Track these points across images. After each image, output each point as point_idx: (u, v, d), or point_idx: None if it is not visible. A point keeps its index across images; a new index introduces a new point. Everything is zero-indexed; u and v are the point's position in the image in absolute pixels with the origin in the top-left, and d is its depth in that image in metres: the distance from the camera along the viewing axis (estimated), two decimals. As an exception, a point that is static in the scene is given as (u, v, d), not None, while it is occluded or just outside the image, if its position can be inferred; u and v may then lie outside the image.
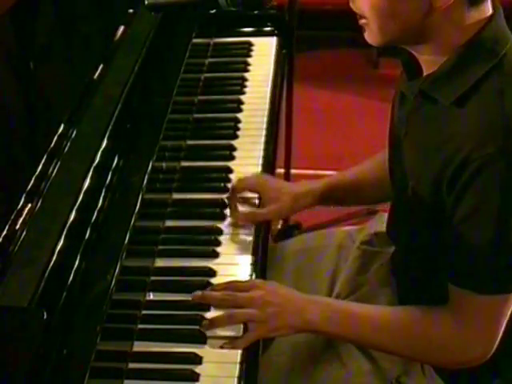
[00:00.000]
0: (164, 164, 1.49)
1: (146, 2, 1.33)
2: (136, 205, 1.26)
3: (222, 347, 1.24)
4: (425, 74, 1.23)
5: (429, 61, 1.22)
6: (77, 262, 1.08)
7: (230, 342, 1.24)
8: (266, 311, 1.28)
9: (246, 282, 1.35)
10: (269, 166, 1.66)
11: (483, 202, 1.14)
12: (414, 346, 1.30)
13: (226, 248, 1.44)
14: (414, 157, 1.26)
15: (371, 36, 1.20)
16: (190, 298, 1.31)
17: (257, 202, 1.55)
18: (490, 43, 1.16)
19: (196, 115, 1.78)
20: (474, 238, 1.17)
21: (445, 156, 1.16)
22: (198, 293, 1.30)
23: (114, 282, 1.12)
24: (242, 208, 1.52)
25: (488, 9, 1.17)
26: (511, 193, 1.13)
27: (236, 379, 1.19)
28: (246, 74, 1.93)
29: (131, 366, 1.20)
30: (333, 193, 1.57)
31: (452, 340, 1.26)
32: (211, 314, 1.29)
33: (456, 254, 1.21)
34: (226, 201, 1.53)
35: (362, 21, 1.19)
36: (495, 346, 1.24)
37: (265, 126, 1.75)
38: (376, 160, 1.59)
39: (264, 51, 2.02)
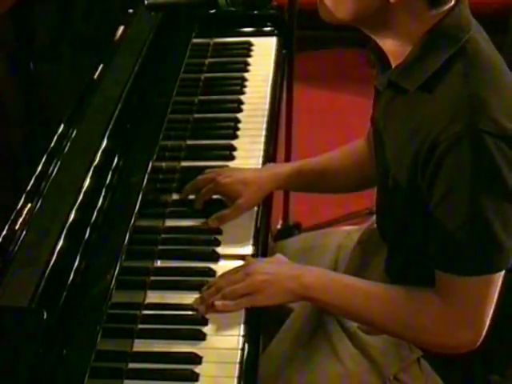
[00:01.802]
0: (164, 164, 1.49)
1: (146, 2, 1.33)
2: (136, 205, 1.26)
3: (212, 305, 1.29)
4: (393, 66, 1.25)
5: (395, 52, 1.24)
6: (77, 262, 1.08)
7: (224, 305, 1.28)
8: (259, 279, 1.31)
9: (238, 265, 1.37)
10: (269, 165, 1.66)
11: (454, 183, 1.15)
12: (403, 323, 1.30)
13: (226, 248, 1.44)
14: (393, 147, 1.27)
15: (325, 12, 1.22)
16: (189, 298, 1.31)
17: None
18: (453, 30, 1.18)
19: (196, 115, 1.78)
20: (449, 219, 1.18)
21: (417, 142, 1.18)
22: (197, 300, 1.32)
23: (113, 282, 1.12)
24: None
25: (450, 1, 1.19)
26: (481, 170, 1.14)
27: (236, 379, 1.19)
28: (246, 74, 1.93)
29: (131, 365, 1.21)
30: (299, 178, 1.60)
31: (439, 322, 1.27)
32: (211, 314, 1.29)
33: (435, 238, 1.22)
34: (224, 201, 1.53)
35: None
36: (483, 333, 1.24)
37: (265, 126, 1.75)
38: (346, 149, 1.63)
39: (264, 51, 2.02)
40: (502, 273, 1.22)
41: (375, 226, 1.61)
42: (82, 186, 1.18)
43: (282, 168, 1.62)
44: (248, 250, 1.44)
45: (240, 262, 1.39)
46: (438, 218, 1.19)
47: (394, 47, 1.23)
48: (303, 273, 1.33)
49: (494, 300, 1.23)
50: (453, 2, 1.18)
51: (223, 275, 1.36)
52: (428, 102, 1.18)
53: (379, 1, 1.15)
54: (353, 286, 1.34)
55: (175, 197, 1.55)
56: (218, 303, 1.29)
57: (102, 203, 1.19)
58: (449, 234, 1.19)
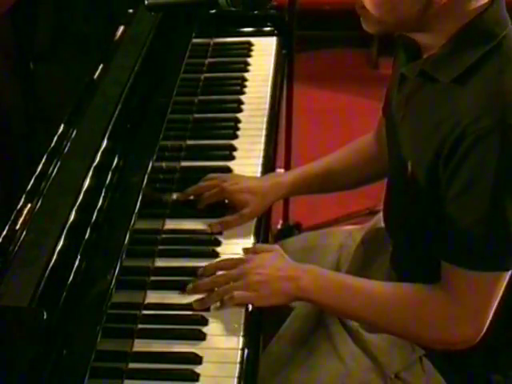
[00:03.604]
0: (164, 164, 1.50)
1: (146, 2, 1.33)
2: (136, 205, 1.26)
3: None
4: (425, 55, 1.25)
5: (428, 44, 1.23)
6: (77, 262, 1.08)
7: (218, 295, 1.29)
8: (255, 280, 1.31)
9: (236, 258, 1.38)
10: (269, 166, 1.66)
11: (478, 176, 1.14)
12: (404, 320, 1.30)
13: (226, 248, 1.44)
14: (413, 137, 1.27)
15: (369, 25, 1.22)
16: (189, 298, 1.31)
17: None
18: (491, 25, 1.18)
19: (196, 115, 1.78)
20: (467, 212, 1.17)
21: (443, 132, 1.17)
22: (190, 286, 1.32)
23: (114, 282, 1.12)
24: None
25: None
26: (506, 167, 1.13)
27: (236, 379, 1.19)
28: (246, 74, 1.93)
29: (131, 365, 1.21)
30: (304, 183, 1.60)
31: (442, 317, 1.26)
32: (211, 313, 1.29)
33: (449, 230, 1.21)
34: (226, 201, 1.53)
35: (361, 10, 1.21)
36: (484, 329, 1.24)
37: (265, 125, 1.75)
38: (349, 148, 1.63)
39: (264, 51, 2.02)
40: (510, 271, 1.22)
41: (378, 225, 1.61)
42: (82, 186, 1.18)
43: (284, 177, 1.62)
44: (248, 249, 1.44)
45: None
46: (454, 211, 1.18)
47: (427, 40, 1.23)
48: (301, 275, 1.33)
49: (499, 297, 1.22)
50: None
51: (220, 265, 1.36)
52: (459, 94, 1.17)
53: (421, 6, 1.15)
54: (352, 286, 1.33)
55: (175, 197, 1.55)
56: (213, 295, 1.30)
57: (102, 203, 1.19)
58: (464, 228, 1.18)
